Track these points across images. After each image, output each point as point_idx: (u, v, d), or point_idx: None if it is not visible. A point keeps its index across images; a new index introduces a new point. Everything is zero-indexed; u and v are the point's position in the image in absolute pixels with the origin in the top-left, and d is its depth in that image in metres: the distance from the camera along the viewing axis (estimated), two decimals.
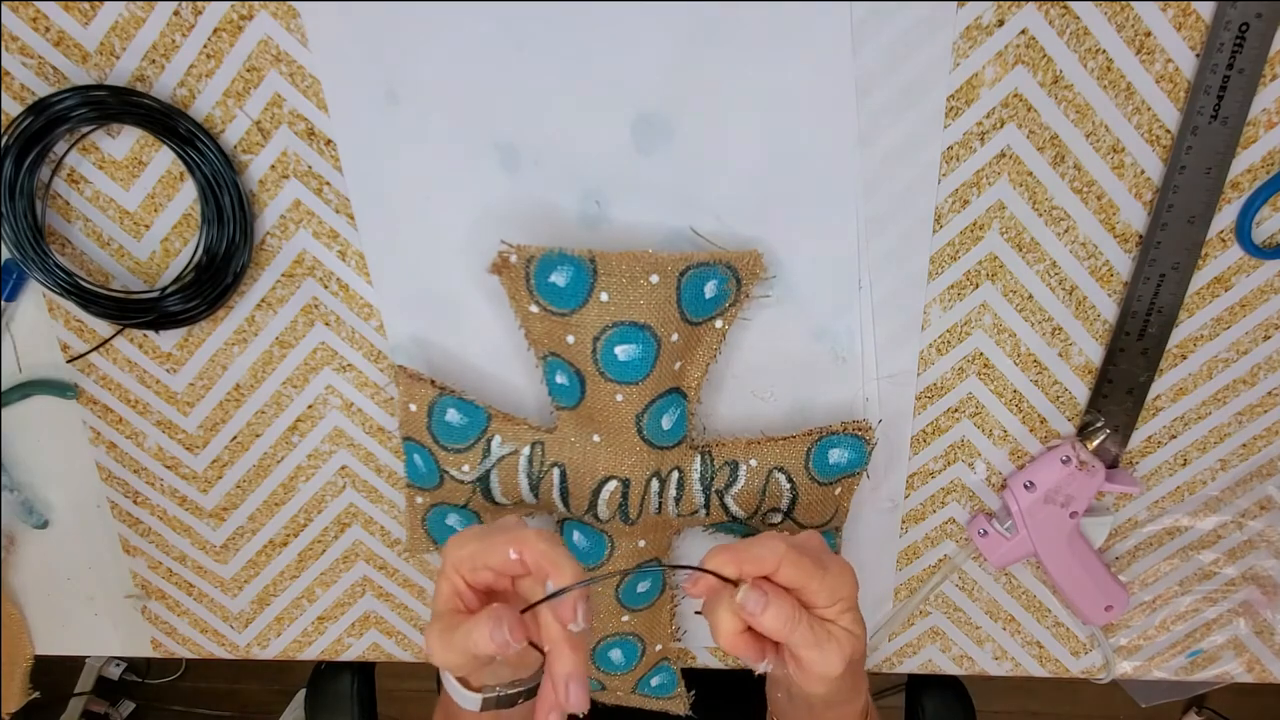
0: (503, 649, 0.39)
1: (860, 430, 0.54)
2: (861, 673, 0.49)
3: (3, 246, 0.55)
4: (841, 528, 0.59)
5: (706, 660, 0.67)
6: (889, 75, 0.48)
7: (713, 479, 0.55)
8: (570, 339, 0.50)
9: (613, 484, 0.54)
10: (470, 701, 0.47)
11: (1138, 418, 0.56)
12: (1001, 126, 0.50)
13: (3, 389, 0.61)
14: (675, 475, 0.55)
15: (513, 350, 0.57)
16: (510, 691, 0.47)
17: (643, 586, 0.59)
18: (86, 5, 0.50)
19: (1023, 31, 0.47)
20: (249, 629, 0.69)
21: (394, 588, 0.67)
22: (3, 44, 0.51)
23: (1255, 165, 0.50)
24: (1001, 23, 0.47)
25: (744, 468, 0.55)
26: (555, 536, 0.42)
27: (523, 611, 0.40)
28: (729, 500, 0.55)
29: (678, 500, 0.55)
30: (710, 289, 0.50)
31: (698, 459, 0.55)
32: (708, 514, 0.56)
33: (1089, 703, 1.54)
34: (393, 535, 0.65)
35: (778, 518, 0.56)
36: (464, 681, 0.46)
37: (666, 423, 0.53)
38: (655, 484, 0.54)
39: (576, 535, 0.57)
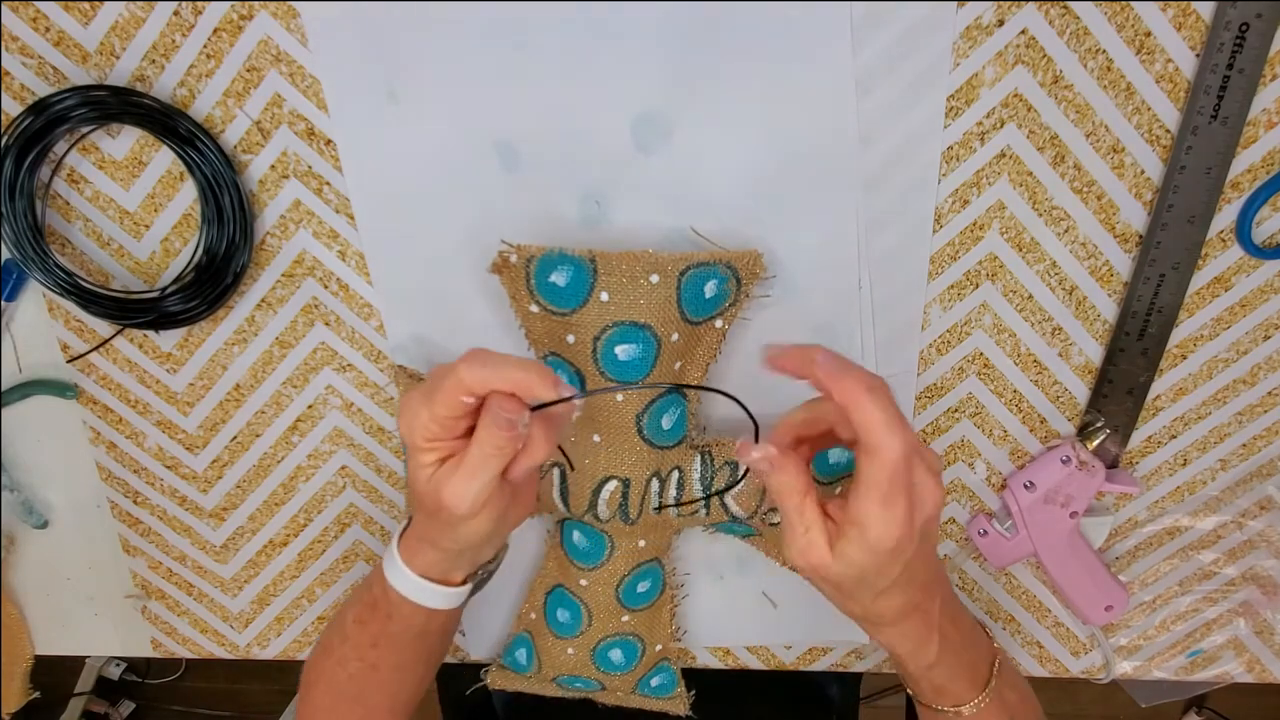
0: (515, 428, 0.38)
1: None
2: (882, 590, 0.41)
3: (3, 246, 0.55)
4: None
5: (706, 660, 0.67)
6: (889, 75, 0.48)
7: (713, 479, 0.55)
8: (570, 339, 0.50)
9: (613, 484, 0.54)
10: (455, 597, 0.48)
11: (1138, 418, 0.56)
12: (1001, 126, 0.50)
13: (3, 389, 0.61)
14: (675, 475, 0.55)
15: (513, 350, 0.57)
16: (489, 569, 0.50)
17: (643, 586, 0.59)
18: (86, 5, 0.50)
19: (1023, 31, 0.47)
20: (249, 629, 0.69)
21: None
22: (3, 44, 0.51)
23: (1255, 165, 0.50)
24: (1001, 23, 0.47)
25: (744, 468, 0.55)
26: (491, 357, 0.38)
27: (534, 409, 0.39)
28: (729, 500, 0.55)
29: (678, 500, 0.55)
30: (710, 289, 0.50)
31: (698, 459, 0.55)
32: (708, 513, 0.56)
33: (1089, 703, 1.54)
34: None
35: (778, 517, 0.56)
36: (443, 582, 0.47)
37: (666, 422, 0.53)
38: (655, 484, 0.54)
39: (576, 535, 0.57)
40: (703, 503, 0.56)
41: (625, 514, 0.55)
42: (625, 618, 0.59)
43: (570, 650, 0.61)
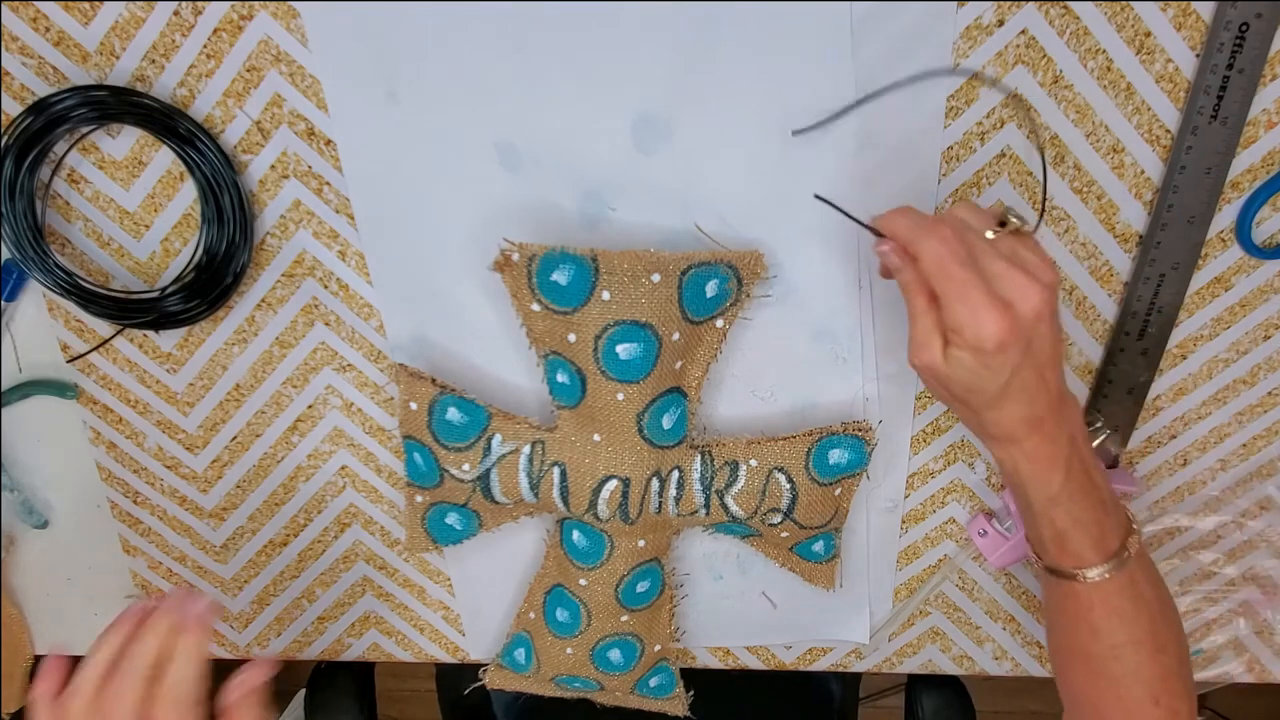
0: None
1: (860, 431, 0.54)
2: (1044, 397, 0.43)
3: (3, 246, 0.55)
4: (841, 528, 0.59)
5: (706, 660, 0.67)
6: (889, 75, 0.48)
7: (713, 479, 0.55)
8: (571, 337, 0.50)
9: (613, 483, 0.54)
10: None
11: (1138, 418, 0.56)
12: (1001, 127, 0.50)
13: (3, 389, 0.61)
14: (675, 475, 0.55)
15: (513, 349, 0.57)
16: None
17: (642, 586, 0.59)
18: (86, 5, 0.50)
19: (1023, 31, 0.47)
20: (249, 629, 0.69)
21: (394, 588, 0.67)
22: (3, 44, 0.51)
23: (1255, 165, 0.50)
24: (1001, 23, 0.47)
25: (744, 468, 0.55)
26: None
27: None
28: (729, 500, 0.55)
29: (678, 500, 0.55)
30: (711, 288, 0.50)
31: (698, 459, 0.55)
32: (708, 513, 0.56)
33: None
34: (393, 535, 0.65)
35: (777, 518, 0.56)
36: None
37: (667, 422, 0.53)
38: (655, 483, 0.54)
39: (576, 534, 0.57)
40: (702, 502, 0.56)
41: (625, 514, 0.55)
42: (624, 618, 0.59)
43: (569, 650, 0.61)
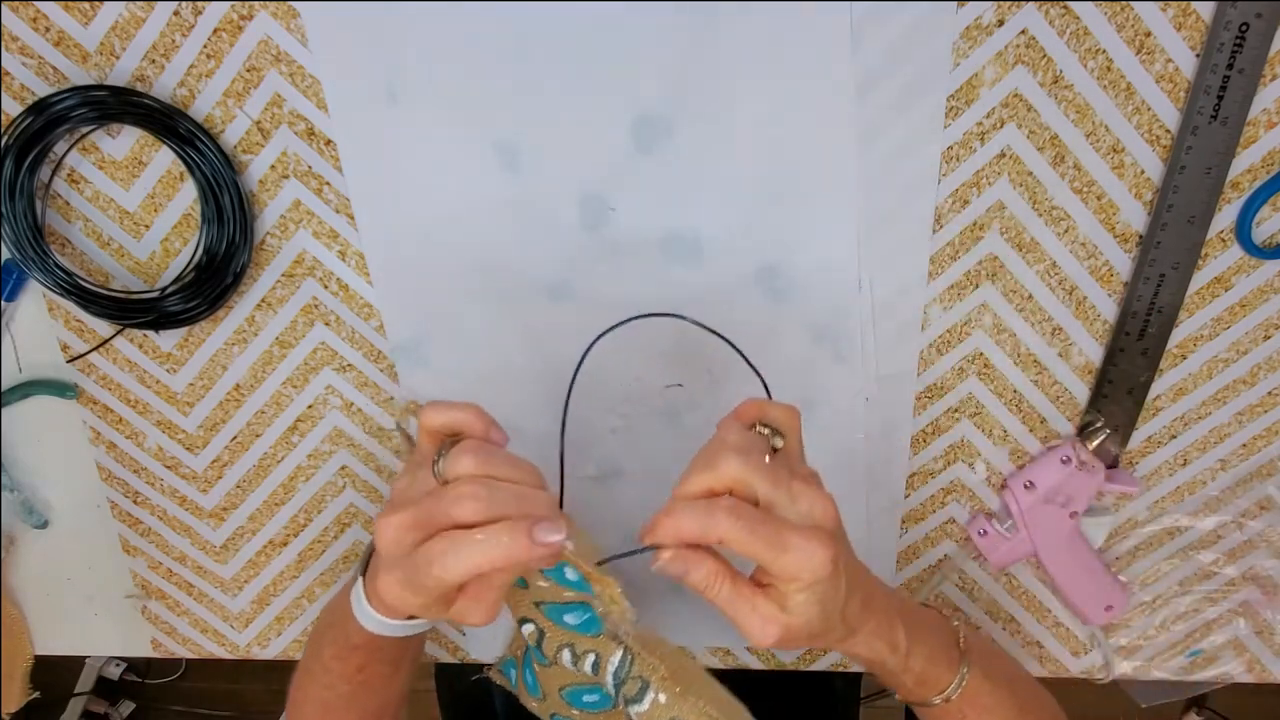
0: (553, 548, 0.36)
1: None
2: (849, 629, 0.43)
3: (3, 246, 0.55)
4: None
5: (706, 660, 0.67)
6: (889, 75, 0.48)
7: (624, 682, 0.50)
8: None
9: (530, 626, 0.51)
10: (407, 628, 0.46)
11: (1138, 418, 0.56)
12: (1001, 126, 0.50)
13: (3, 389, 0.61)
14: (591, 658, 0.50)
15: (512, 350, 0.57)
16: None
17: (590, 699, 0.54)
18: (86, 5, 0.50)
19: (1023, 31, 0.47)
20: (249, 629, 0.69)
21: None
22: (3, 44, 0.51)
23: (1255, 165, 0.50)
24: (1001, 23, 0.47)
25: (651, 695, 0.49)
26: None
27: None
28: (631, 712, 0.50)
29: (594, 671, 0.51)
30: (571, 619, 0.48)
31: (619, 654, 0.49)
32: (612, 706, 0.52)
33: (1089, 703, 1.54)
34: None
35: None
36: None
37: (571, 620, 0.50)
38: (567, 654, 0.50)
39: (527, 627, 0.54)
40: (613, 693, 0.51)
41: (541, 656, 0.51)
42: (576, 712, 0.54)
43: (534, 705, 0.59)
